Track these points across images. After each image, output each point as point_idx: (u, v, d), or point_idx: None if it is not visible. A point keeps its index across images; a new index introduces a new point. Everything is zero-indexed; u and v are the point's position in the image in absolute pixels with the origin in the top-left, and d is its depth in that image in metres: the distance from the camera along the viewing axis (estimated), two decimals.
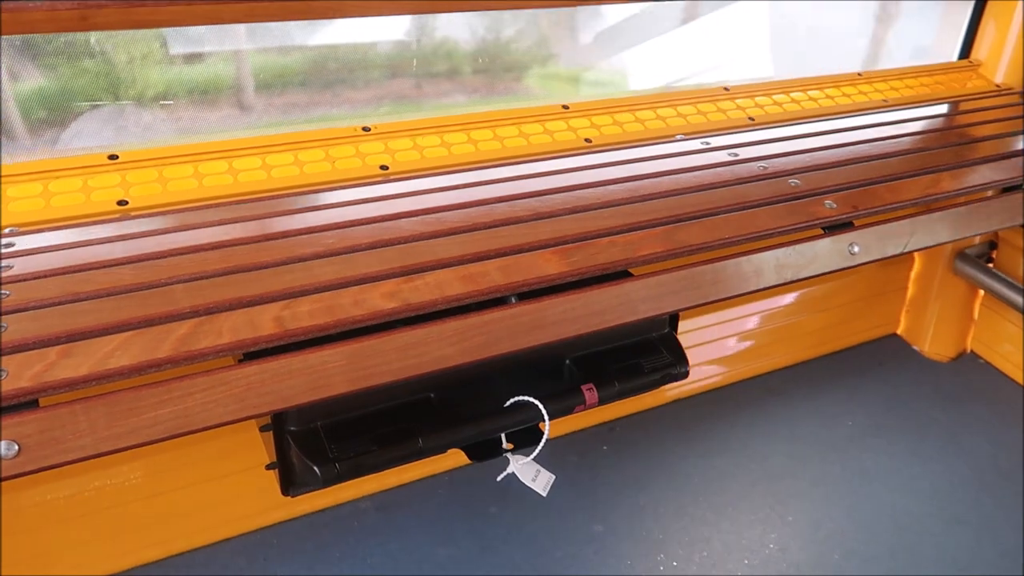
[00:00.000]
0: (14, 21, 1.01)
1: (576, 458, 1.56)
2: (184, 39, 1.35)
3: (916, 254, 1.92)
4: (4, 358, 0.70)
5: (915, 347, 1.97)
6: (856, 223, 1.13)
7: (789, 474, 1.56)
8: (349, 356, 0.79)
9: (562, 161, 1.24)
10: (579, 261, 0.92)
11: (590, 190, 1.10)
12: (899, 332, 2.02)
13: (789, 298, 1.83)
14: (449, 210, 1.02)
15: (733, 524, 1.43)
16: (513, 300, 0.88)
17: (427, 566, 1.30)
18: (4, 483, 0.82)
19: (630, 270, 0.97)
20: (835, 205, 1.12)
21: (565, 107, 1.44)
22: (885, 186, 1.19)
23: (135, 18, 1.07)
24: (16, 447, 0.67)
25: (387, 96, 1.53)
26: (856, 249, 1.11)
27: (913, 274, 1.95)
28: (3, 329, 0.73)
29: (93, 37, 1.28)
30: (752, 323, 1.80)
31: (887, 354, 1.95)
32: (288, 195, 1.09)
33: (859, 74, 1.75)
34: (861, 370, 1.88)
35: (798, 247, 1.06)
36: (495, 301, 0.88)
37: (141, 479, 1.24)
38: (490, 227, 0.98)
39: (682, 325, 1.66)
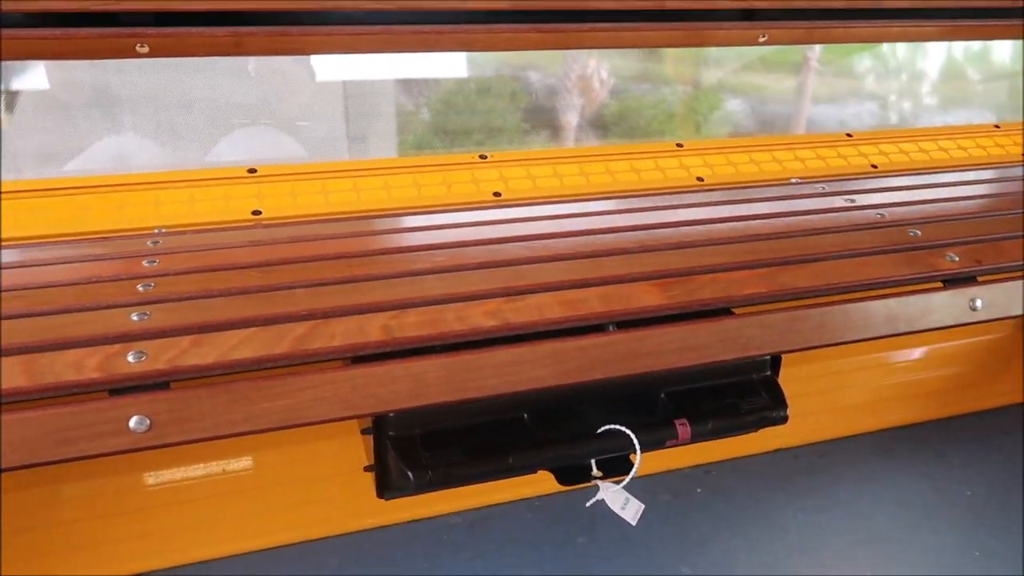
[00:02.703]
0: (178, 45, 1.13)
1: (669, 497, 1.54)
2: None
3: None
4: (144, 342, 0.78)
5: None
6: (981, 279, 1.08)
7: (896, 540, 1.47)
8: (448, 368, 0.83)
9: (672, 197, 1.25)
10: (679, 295, 0.93)
11: (697, 227, 1.11)
12: None
13: (912, 354, 1.74)
14: (556, 237, 1.05)
15: None
16: (611, 328, 0.90)
17: None
18: (133, 455, 0.91)
19: (731, 308, 0.97)
20: (957, 258, 1.07)
21: (679, 145, 1.45)
22: (1015, 243, 1.13)
23: (281, 46, 1.18)
24: (148, 422, 0.74)
25: None
26: (978, 305, 1.06)
27: None
28: (147, 317, 0.82)
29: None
30: (868, 377, 1.73)
31: (1017, 424, 1.81)
32: (405, 214, 1.15)
33: (996, 126, 1.67)
34: (986, 438, 1.76)
35: (913, 298, 1.03)
36: (593, 328, 0.90)
37: (249, 472, 1.32)
38: (594, 256, 1.00)
39: (792, 372, 1.62)
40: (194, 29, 1.12)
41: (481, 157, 1.35)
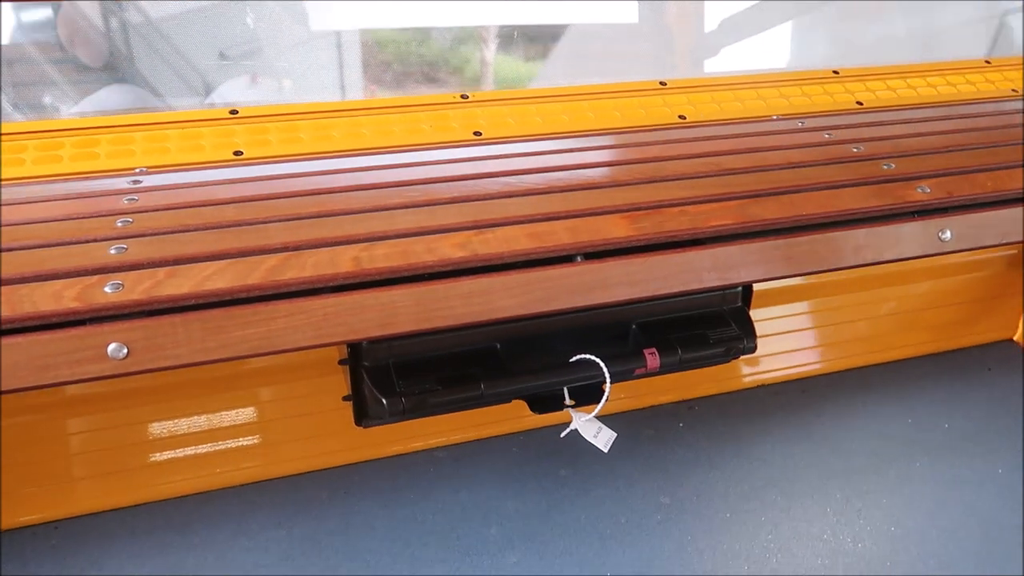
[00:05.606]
0: None
1: (651, 432, 1.58)
2: None
3: None
4: (121, 274, 0.81)
5: None
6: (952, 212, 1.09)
7: (872, 471, 1.51)
8: (417, 298, 0.86)
9: (651, 135, 1.26)
10: (647, 227, 0.95)
11: (670, 162, 1.12)
12: (1016, 338, 1.90)
13: (896, 292, 1.76)
14: (529, 173, 1.07)
15: (805, 512, 1.41)
16: (578, 259, 0.92)
17: (494, 516, 1.37)
18: (115, 380, 0.94)
19: (699, 240, 0.98)
20: (928, 190, 1.08)
21: (663, 83, 1.45)
22: (988, 175, 1.13)
23: None
24: (125, 350, 0.77)
25: None
26: (947, 236, 1.07)
27: None
28: (124, 250, 0.84)
29: None
30: (851, 314, 1.75)
31: (999, 360, 1.84)
32: (382, 153, 1.17)
33: (987, 61, 1.66)
34: (967, 374, 1.79)
35: (881, 229, 1.04)
36: (561, 259, 0.92)
37: (238, 410, 1.36)
38: (565, 191, 1.02)
39: (773, 310, 1.65)
40: None
41: (463, 97, 1.36)
